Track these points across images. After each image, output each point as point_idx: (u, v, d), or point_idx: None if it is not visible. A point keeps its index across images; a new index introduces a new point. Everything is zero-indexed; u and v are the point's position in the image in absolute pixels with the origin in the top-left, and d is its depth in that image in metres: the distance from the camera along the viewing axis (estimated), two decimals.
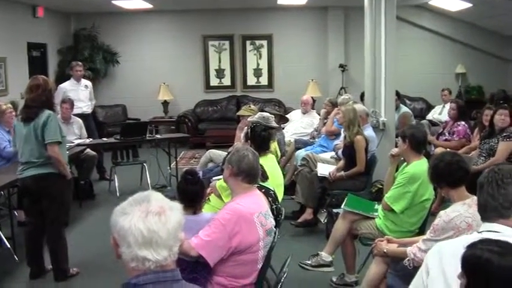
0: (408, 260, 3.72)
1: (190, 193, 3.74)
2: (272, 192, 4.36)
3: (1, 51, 10.42)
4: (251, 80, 14.03)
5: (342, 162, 6.83)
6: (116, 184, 8.74)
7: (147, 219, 1.87)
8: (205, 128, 13.05)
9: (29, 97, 5.29)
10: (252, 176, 3.64)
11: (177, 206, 1.97)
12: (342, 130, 7.26)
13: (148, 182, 8.87)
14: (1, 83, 10.42)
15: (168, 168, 9.34)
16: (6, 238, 6.22)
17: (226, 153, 7.47)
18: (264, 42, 13.91)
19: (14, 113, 7.41)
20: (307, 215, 6.90)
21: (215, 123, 13.27)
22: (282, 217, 4.49)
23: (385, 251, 4.10)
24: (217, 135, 12.14)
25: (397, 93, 9.06)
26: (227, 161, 3.72)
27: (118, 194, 8.55)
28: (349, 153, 6.62)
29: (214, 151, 8.03)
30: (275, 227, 3.74)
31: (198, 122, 13.27)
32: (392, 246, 4.10)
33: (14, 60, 10.86)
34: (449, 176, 3.64)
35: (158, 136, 9.27)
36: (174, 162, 9.40)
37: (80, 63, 10.02)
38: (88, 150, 8.56)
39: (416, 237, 4.31)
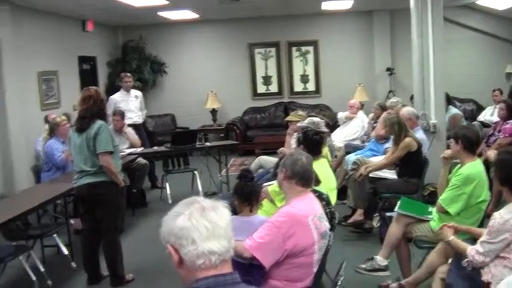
0: (467, 260, 3.66)
1: (247, 190, 3.80)
2: (325, 196, 4.35)
3: (53, 65, 10.68)
4: (298, 86, 14.02)
5: (382, 158, 6.85)
6: (168, 192, 8.83)
7: (205, 214, 1.90)
8: (253, 135, 13.10)
9: (82, 108, 5.40)
10: (306, 179, 3.63)
11: (225, 204, 2.00)
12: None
13: (200, 189, 8.94)
14: (54, 96, 10.67)
15: (219, 175, 9.40)
16: (64, 245, 6.34)
17: (276, 159, 7.56)
18: (310, 48, 13.90)
19: (68, 125, 7.60)
20: (357, 215, 6.85)
21: (263, 130, 13.30)
22: (336, 221, 4.46)
23: (450, 239, 4.04)
24: (266, 142, 12.16)
25: (446, 96, 8.93)
26: (281, 165, 3.73)
27: (170, 202, 8.63)
28: (403, 158, 6.56)
29: (264, 157, 8.06)
30: (329, 230, 3.72)
31: (246, 129, 13.32)
32: (457, 240, 4.03)
33: (66, 73, 11.13)
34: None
35: (208, 144, 9.34)
36: (225, 169, 9.47)
37: (128, 74, 10.18)
38: (140, 159, 8.68)
39: (482, 228, 4.20)
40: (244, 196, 3.79)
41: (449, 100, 9.69)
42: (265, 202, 4.78)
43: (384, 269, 5.19)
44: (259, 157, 8.13)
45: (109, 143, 5.30)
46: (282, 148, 7.47)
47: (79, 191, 5.49)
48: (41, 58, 10.26)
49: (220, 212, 1.92)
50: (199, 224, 1.87)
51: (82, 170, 5.39)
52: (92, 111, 5.34)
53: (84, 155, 5.35)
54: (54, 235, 6.18)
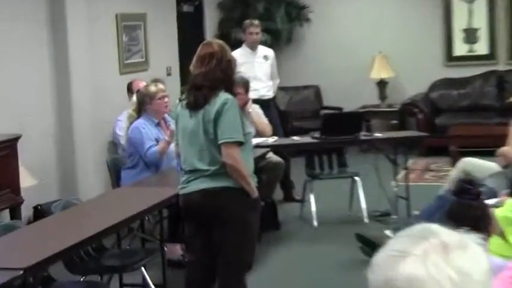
0: None
1: (472, 213, 3.66)
2: None
3: (139, 5, 10.99)
4: None
5: None
6: (313, 208, 8.79)
7: (449, 257, 1.75)
8: (446, 122, 12.82)
9: (198, 72, 5.40)
10: None
11: (477, 239, 1.84)
12: None
13: (363, 205, 8.83)
14: (139, 52, 10.91)
15: (393, 184, 9.23)
16: (155, 286, 6.43)
17: (493, 163, 7.32)
18: None
19: (167, 98, 7.73)
20: None
21: (463, 115, 13.04)
22: None
23: None
24: (468, 135, 11.86)
25: None
26: None
27: (315, 224, 8.64)
28: None
29: (474, 161, 7.85)
30: None
31: (434, 114, 13.11)
32: None
33: (158, 19, 11.41)
34: None
35: (379, 135, 9.17)
36: (401, 175, 9.35)
37: (256, 22, 10.25)
38: (270, 154, 8.68)
39: None
40: (468, 223, 3.61)
41: None
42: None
43: None
44: (464, 160, 7.92)
45: (238, 129, 5.27)
46: (504, 148, 7.23)
47: (188, 200, 5.50)
48: None
49: (473, 253, 1.75)
50: (442, 275, 1.72)
51: (194, 169, 5.39)
52: (215, 78, 5.33)
53: (199, 145, 5.34)
54: (141, 268, 6.28)
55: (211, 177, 5.34)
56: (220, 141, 5.25)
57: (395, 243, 1.84)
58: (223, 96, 5.30)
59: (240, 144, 5.29)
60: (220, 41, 5.73)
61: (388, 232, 7.30)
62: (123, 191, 7.29)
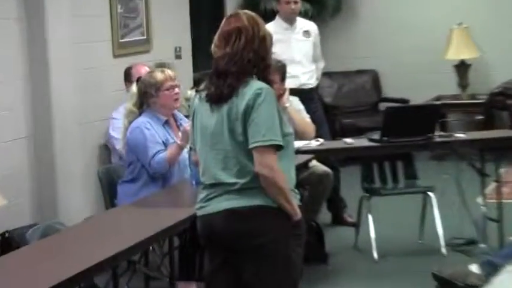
0: None
1: None
2: None
3: None
4: None
5: None
6: (371, 234, 8.78)
7: None
8: None
9: (222, 54, 5.37)
10: None
11: None
12: None
13: (439, 231, 8.76)
14: (139, 28, 10.96)
15: (480, 201, 9.21)
16: None
17: None
18: None
19: (178, 89, 7.76)
20: None
21: None
22: None
23: None
24: None
25: None
26: None
27: (375, 255, 8.64)
28: None
29: None
30: None
31: None
32: None
33: None
34: None
35: (459, 136, 9.13)
36: (490, 189, 9.35)
37: None
38: (314, 162, 8.66)
39: None
40: None
41: None
42: None
43: None
44: None
45: (276, 129, 5.19)
46: None
47: (208, 224, 5.46)
48: None
49: None
50: None
51: (217, 182, 5.35)
52: (244, 61, 5.29)
53: (224, 150, 5.30)
54: None
55: (240, 193, 5.28)
56: (251, 145, 5.18)
57: (505, 280, 1.87)
58: (255, 85, 5.24)
59: (278, 148, 5.23)
60: (251, 13, 5.64)
61: (473, 268, 7.25)
62: (120, 212, 7.27)
